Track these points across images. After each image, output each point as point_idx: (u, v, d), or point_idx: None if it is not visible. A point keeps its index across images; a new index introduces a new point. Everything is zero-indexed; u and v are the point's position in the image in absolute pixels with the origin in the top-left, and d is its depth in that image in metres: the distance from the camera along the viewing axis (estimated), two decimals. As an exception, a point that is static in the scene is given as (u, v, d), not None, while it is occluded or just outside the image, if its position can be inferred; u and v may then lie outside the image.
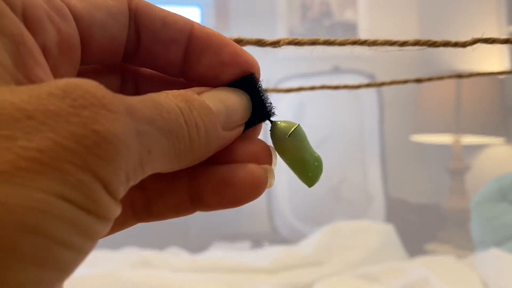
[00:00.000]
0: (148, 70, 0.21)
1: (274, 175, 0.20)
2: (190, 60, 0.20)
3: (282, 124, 0.20)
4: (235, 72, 0.20)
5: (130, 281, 1.13)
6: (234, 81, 0.20)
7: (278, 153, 0.20)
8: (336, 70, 1.98)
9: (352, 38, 0.22)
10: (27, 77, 0.14)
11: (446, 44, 0.23)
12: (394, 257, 1.37)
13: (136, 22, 0.19)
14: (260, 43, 0.23)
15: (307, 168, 0.20)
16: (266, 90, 0.21)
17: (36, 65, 0.15)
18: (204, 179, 0.19)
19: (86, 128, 0.13)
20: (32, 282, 0.12)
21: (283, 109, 1.98)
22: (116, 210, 0.14)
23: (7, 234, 0.11)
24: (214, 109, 0.18)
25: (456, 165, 1.77)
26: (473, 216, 1.39)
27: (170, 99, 0.16)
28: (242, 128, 0.20)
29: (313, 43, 0.22)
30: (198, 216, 1.98)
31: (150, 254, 1.40)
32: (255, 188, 0.19)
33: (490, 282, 1.09)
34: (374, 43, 0.22)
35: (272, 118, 0.20)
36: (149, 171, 0.15)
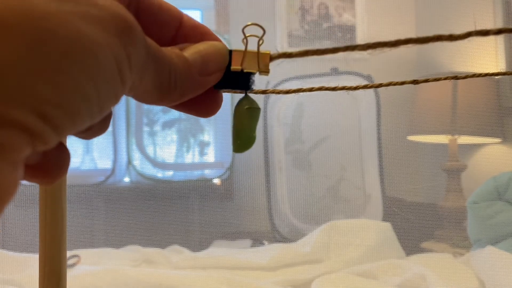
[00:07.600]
0: None
1: None
2: (177, 42, 0.23)
3: (251, 99, 0.25)
4: None
5: (132, 278, 1.14)
6: (237, 72, 0.24)
7: (233, 115, 0.25)
8: (335, 72, 1.99)
9: (343, 45, 0.23)
10: None
11: (439, 38, 0.22)
12: (392, 255, 1.38)
13: (136, 6, 0.22)
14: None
15: (240, 136, 0.24)
16: (265, 91, 0.24)
17: None
18: (52, 154, 0.20)
19: (128, 29, 0.18)
20: None
21: (283, 110, 2.00)
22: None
23: None
24: (190, 58, 0.21)
25: (452, 164, 1.79)
26: (469, 215, 1.41)
27: (166, 50, 0.21)
28: (219, 75, 0.23)
29: (304, 53, 0.23)
30: (199, 215, 2.00)
31: (152, 252, 1.41)
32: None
33: (486, 280, 1.10)
34: (366, 47, 0.22)
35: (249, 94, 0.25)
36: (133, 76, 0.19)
